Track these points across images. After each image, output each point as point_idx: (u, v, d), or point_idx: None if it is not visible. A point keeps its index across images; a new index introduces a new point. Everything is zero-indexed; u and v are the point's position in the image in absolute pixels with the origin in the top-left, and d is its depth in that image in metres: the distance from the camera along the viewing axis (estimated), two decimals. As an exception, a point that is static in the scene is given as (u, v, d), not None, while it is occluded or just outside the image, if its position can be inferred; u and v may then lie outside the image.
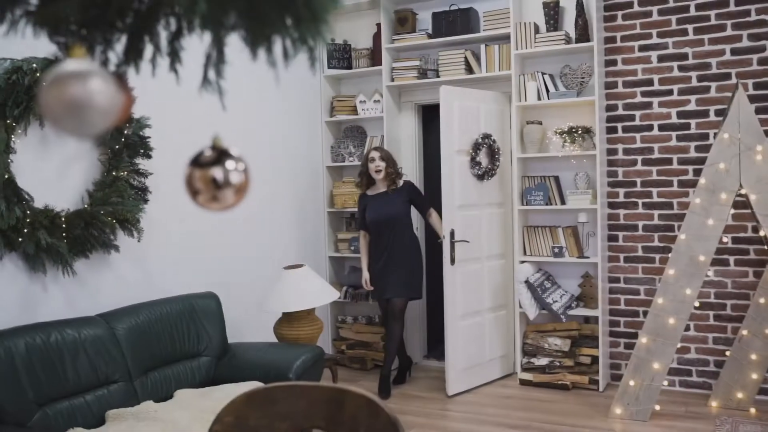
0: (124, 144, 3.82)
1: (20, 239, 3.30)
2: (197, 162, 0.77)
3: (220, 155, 0.79)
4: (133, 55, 1.02)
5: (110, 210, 3.70)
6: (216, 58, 0.94)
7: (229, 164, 0.78)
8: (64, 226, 3.48)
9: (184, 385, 3.70)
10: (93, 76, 0.66)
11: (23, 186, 3.34)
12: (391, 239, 4.90)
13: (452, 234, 4.77)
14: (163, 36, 1.00)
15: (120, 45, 1.02)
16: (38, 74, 3.32)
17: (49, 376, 3.05)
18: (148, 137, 3.93)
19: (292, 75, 5.74)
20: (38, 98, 0.63)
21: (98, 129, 0.68)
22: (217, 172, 0.76)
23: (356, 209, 5.72)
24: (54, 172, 3.57)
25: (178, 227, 4.26)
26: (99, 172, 3.79)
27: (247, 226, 4.84)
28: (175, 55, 1.02)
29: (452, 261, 4.78)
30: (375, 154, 4.92)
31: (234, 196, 0.77)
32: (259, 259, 4.94)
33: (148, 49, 1.03)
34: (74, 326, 3.27)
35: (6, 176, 3.26)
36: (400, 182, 5.00)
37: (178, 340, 3.77)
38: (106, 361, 3.32)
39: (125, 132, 3.80)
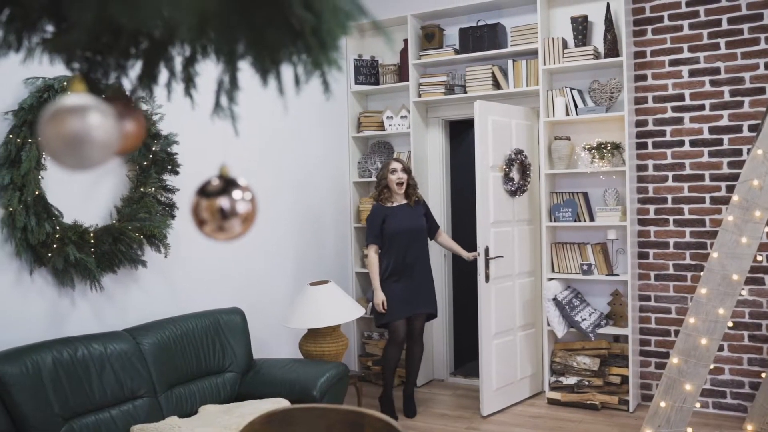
0: (152, 160, 3.86)
1: (49, 254, 3.35)
2: (204, 191, 0.76)
3: (227, 185, 0.77)
4: (147, 80, 1.03)
5: (138, 226, 3.73)
6: (228, 84, 0.93)
7: (236, 194, 0.77)
8: (92, 241, 3.53)
9: (209, 401, 3.70)
10: (91, 110, 0.66)
11: (53, 202, 3.39)
12: (417, 253, 4.73)
13: (486, 251, 4.73)
14: (178, 61, 1.00)
15: (135, 71, 1.02)
16: (69, 92, 3.37)
17: (75, 391, 3.07)
18: (176, 154, 3.96)
19: (319, 91, 5.73)
20: (38, 132, 0.63)
21: (98, 163, 0.68)
22: (223, 202, 0.75)
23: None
24: (83, 188, 3.62)
25: (205, 243, 4.28)
26: (127, 188, 3.84)
27: (273, 241, 4.86)
28: (189, 81, 1.03)
29: (487, 278, 4.73)
30: (397, 165, 4.75)
31: (241, 225, 0.76)
32: (285, 274, 4.94)
33: (164, 75, 1.04)
34: (101, 341, 3.30)
35: (36, 192, 3.31)
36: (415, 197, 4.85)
37: (203, 356, 3.78)
38: (132, 376, 3.34)
39: (153, 149, 3.84)
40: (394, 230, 4.69)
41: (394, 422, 1.66)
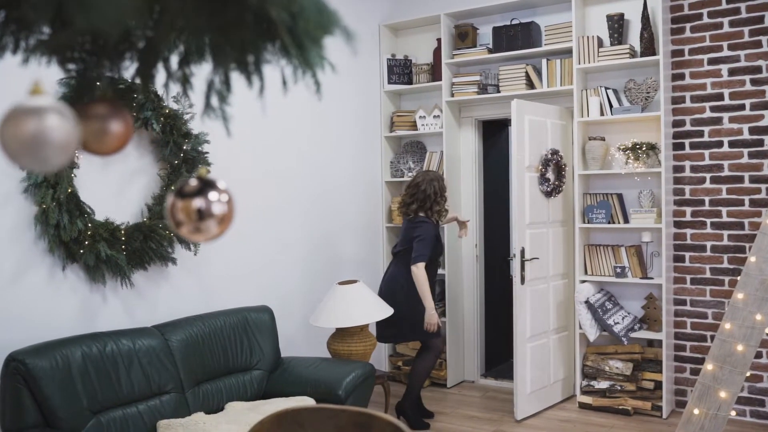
0: (182, 159, 3.90)
1: (81, 251, 3.42)
2: (180, 193, 0.76)
3: (204, 186, 0.77)
4: (143, 80, 1.04)
5: (168, 224, 3.78)
6: (219, 86, 0.93)
7: (212, 195, 0.76)
8: (123, 239, 3.59)
9: (236, 398, 3.74)
10: (49, 112, 0.66)
11: (85, 199, 3.46)
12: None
13: (522, 252, 4.67)
14: (174, 61, 1.01)
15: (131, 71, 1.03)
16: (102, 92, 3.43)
17: (103, 385, 3.13)
18: (207, 152, 4.00)
19: (352, 90, 5.79)
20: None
21: (56, 164, 0.68)
22: (199, 203, 0.75)
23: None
24: (115, 186, 3.68)
25: (235, 241, 4.33)
26: (158, 187, 3.89)
27: (303, 240, 4.88)
28: (185, 81, 1.03)
29: (522, 280, 4.67)
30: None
31: (217, 227, 0.76)
32: (314, 273, 4.96)
33: (161, 76, 1.04)
34: (130, 337, 3.36)
35: (69, 190, 3.38)
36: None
37: (230, 353, 3.82)
38: (159, 372, 3.39)
39: (184, 147, 3.89)
40: (440, 251, 4.76)
41: (403, 425, 1.65)
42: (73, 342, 3.13)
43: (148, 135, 3.82)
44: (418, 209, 4.53)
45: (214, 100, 0.94)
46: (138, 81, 1.01)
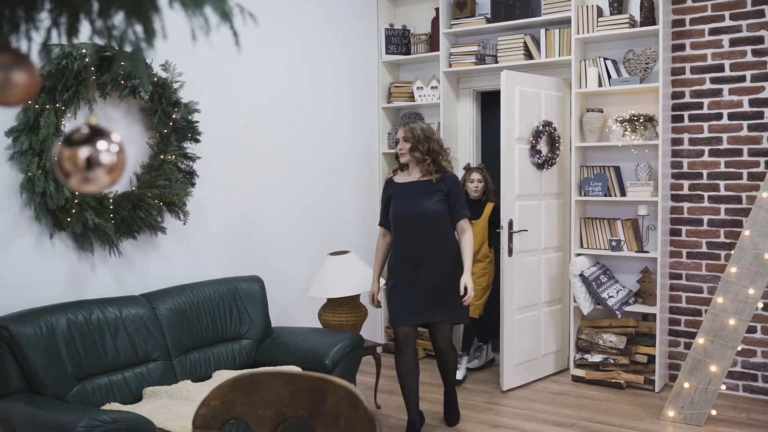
0: (172, 128, 3.89)
1: (68, 219, 3.42)
2: (67, 141, 0.74)
3: (93, 134, 0.75)
4: (67, 31, 1.01)
5: (157, 193, 3.78)
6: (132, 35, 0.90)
7: (101, 144, 0.74)
8: (111, 207, 3.59)
9: (224, 367, 3.76)
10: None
11: (72, 168, 3.45)
12: (425, 245, 3.77)
13: (510, 224, 4.64)
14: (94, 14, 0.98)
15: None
16: (87, 60, 3.42)
17: (88, 352, 3.15)
18: (197, 122, 3.98)
19: (350, 60, 5.73)
20: None
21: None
22: (87, 152, 0.73)
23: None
24: (103, 154, 3.67)
25: (226, 211, 4.32)
26: (147, 156, 3.88)
27: (296, 210, 4.87)
28: (109, 35, 1.00)
29: (510, 252, 4.65)
30: (399, 134, 3.86)
31: (107, 176, 0.74)
32: (312, 244, 4.95)
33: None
34: (116, 305, 3.37)
35: (56, 158, 3.37)
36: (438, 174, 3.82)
37: (219, 322, 3.83)
38: (146, 340, 3.40)
39: (174, 116, 3.87)
40: (393, 214, 3.87)
41: (357, 390, 1.64)
42: (58, 309, 3.15)
43: (136, 103, 3.80)
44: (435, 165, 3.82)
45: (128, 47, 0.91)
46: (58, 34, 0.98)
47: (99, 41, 0.95)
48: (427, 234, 3.77)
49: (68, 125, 3.45)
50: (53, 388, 2.99)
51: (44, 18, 1.00)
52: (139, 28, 0.94)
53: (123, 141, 0.79)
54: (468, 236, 3.81)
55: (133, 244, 3.80)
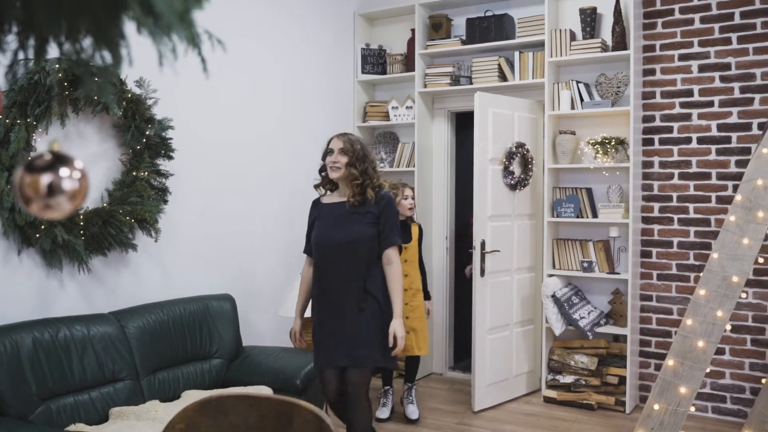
0: (145, 144, 3.86)
1: (37, 235, 3.36)
2: (29, 167, 0.73)
3: (55, 161, 0.74)
4: (35, 53, 1.00)
5: (129, 209, 3.74)
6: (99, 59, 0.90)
7: (63, 171, 0.73)
8: (81, 223, 3.54)
9: (193, 386, 3.71)
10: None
11: (41, 183, 3.40)
12: (348, 276, 3.21)
13: (483, 245, 4.66)
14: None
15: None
16: (60, 75, 3.39)
17: (54, 371, 3.09)
18: (170, 139, 3.96)
19: (326, 79, 5.72)
20: None
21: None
22: (48, 178, 0.72)
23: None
24: (74, 170, 3.63)
25: (198, 229, 4.29)
26: (120, 172, 3.85)
27: (268, 229, 4.85)
28: (78, 55, 0.99)
29: (482, 273, 4.66)
30: (335, 144, 3.30)
31: (69, 203, 0.73)
32: (287, 264, 4.92)
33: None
34: (84, 323, 3.32)
35: (17, 184, 3.32)
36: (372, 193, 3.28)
37: (189, 341, 3.78)
38: (114, 359, 3.35)
39: (147, 133, 3.84)
40: (314, 239, 3.33)
41: (323, 414, 1.64)
42: (24, 327, 3.09)
43: (109, 119, 3.77)
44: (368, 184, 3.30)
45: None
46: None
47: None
48: (353, 263, 3.21)
49: (39, 140, 3.41)
50: (16, 409, 2.93)
51: (11, 40, 1.00)
52: (106, 54, 0.94)
53: (86, 167, 0.79)
54: (396, 270, 3.23)
55: (103, 261, 3.75)
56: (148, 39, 1.01)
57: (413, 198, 4.57)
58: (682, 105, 4.66)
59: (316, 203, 3.45)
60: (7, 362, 2.93)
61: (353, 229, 3.22)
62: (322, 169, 3.40)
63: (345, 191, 3.31)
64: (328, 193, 3.42)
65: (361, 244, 3.21)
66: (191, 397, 3.54)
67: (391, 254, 3.24)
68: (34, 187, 0.72)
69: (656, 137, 4.75)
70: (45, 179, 0.72)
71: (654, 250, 4.76)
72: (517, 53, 5.08)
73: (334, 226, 3.25)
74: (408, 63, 5.56)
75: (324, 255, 3.26)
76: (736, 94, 4.50)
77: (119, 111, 3.67)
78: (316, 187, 3.47)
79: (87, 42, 0.96)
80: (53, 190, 0.72)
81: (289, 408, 1.76)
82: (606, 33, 4.83)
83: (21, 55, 0.94)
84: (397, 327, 3.16)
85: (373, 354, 3.19)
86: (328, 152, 3.32)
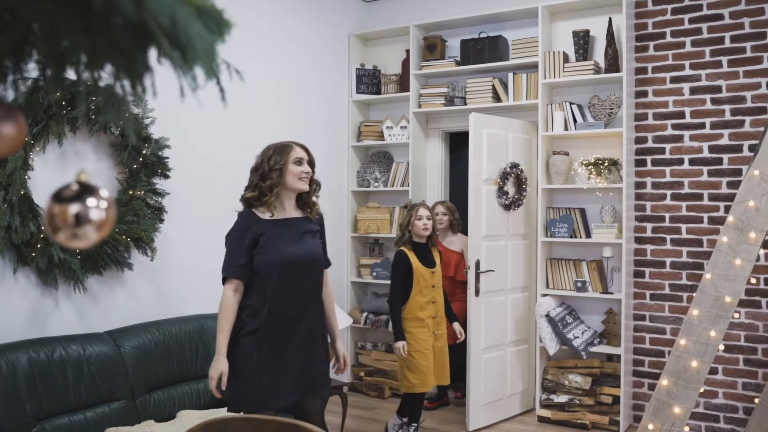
0: (142, 164, 3.87)
1: (33, 254, 3.36)
2: (57, 197, 0.75)
3: (83, 191, 0.76)
4: (54, 81, 1.02)
5: (125, 228, 3.74)
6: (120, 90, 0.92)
7: (90, 201, 0.75)
8: (77, 242, 3.53)
9: (189, 406, 3.69)
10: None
11: (39, 202, 3.40)
12: (311, 297, 2.92)
13: (477, 264, 4.68)
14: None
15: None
16: (58, 94, 3.40)
17: (49, 392, 3.07)
18: (167, 158, 3.97)
19: (321, 98, 5.75)
20: None
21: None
22: (76, 209, 0.74)
23: (379, 234, 5.67)
24: (70, 189, 3.63)
25: (194, 248, 4.29)
26: (116, 191, 3.85)
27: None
28: (95, 86, 1.01)
29: (477, 292, 4.68)
30: (302, 153, 2.94)
31: (96, 233, 0.75)
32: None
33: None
34: (80, 342, 3.30)
35: (22, 192, 3.33)
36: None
37: (185, 361, 3.77)
38: (109, 379, 3.33)
39: (144, 152, 3.85)
40: (277, 258, 2.84)
41: (328, 437, 1.63)
42: (19, 347, 3.08)
43: (106, 138, 3.78)
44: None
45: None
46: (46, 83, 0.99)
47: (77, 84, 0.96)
48: (311, 285, 2.92)
49: (37, 159, 3.42)
50: (11, 429, 2.91)
51: (32, 69, 1.02)
52: (126, 83, 0.96)
53: (109, 196, 0.80)
54: (331, 289, 3.12)
55: (99, 280, 3.74)
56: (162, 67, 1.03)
57: (428, 219, 4.10)
58: (674, 126, 4.72)
59: (253, 217, 2.90)
60: (2, 382, 2.91)
61: (313, 248, 2.93)
62: (271, 176, 2.89)
63: (288, 205, 2.96)
64: (262, 208, 2.93)
65: (319, 265, 2.97)
66: (187, 417, 3.53)
67: (326, 275, 3.08)
68: (62, 217, 0.73)
69: (649, 158, 4.80)
70: (72, 209, 0.73)
71: (647, 270, 4.80)
72: (511, 74, 5.14)
73: (296, 244, 2.88)
74: (402, 83, 5.60)
75: (286, 276, 2.83)
76: (727, 116, 4.56)
77: (134, 142, 3.71)
78: (266, 202, 2.90)
79: (107, 71, 0.98)
80: (80, 220, 0.73)
81: (293, 429, 1.76)
82: (599, 55, 4.90)
83: (41, 83, 0.96)
84: (341, 347, 3.11)
85: (328, 381, 3.07)
86: (294, 162, 2.89)
